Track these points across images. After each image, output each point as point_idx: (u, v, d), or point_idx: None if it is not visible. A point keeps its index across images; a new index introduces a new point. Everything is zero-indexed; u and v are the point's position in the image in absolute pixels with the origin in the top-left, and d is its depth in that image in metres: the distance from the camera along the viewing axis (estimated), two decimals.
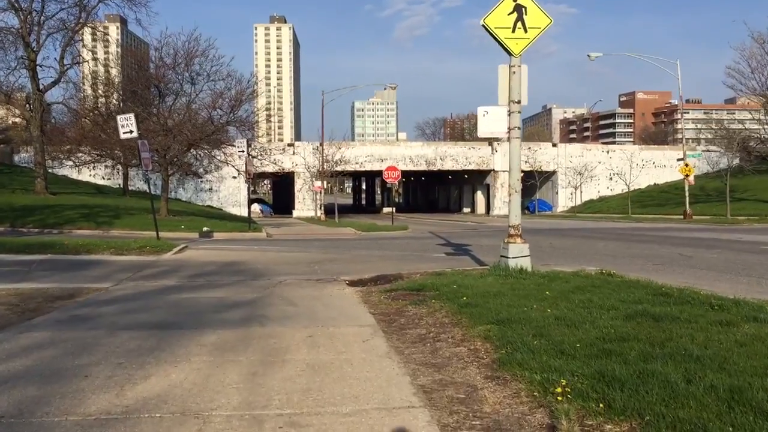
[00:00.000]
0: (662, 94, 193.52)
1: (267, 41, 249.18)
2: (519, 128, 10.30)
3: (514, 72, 10.16)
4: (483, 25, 10.12)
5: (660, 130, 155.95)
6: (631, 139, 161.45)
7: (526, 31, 10.09)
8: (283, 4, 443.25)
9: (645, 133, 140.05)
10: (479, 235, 26.27)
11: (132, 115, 17.15)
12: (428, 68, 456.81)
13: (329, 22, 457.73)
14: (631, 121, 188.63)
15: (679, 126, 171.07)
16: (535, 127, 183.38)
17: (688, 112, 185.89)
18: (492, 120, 10.36)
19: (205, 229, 24.68)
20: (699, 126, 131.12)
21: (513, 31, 10.08)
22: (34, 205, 29.73)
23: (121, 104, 36.47)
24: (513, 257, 10.13)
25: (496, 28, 10.09)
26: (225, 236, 24.68)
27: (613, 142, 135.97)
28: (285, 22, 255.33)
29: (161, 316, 7.54)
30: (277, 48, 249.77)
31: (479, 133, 10.71)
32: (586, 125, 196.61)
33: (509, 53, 10.18)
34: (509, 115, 10.30)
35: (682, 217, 40.93)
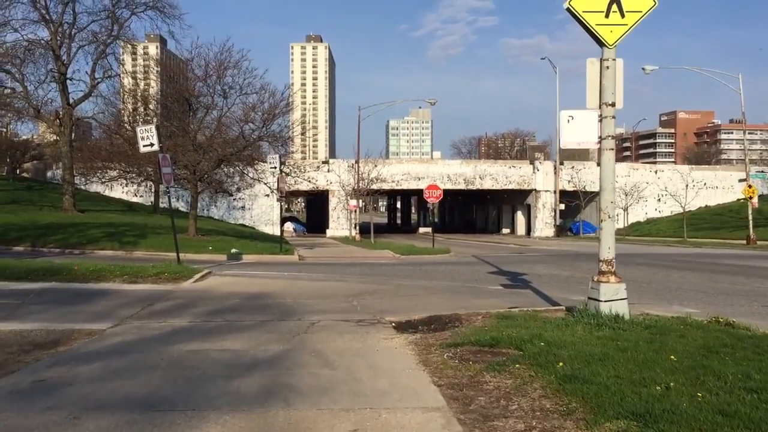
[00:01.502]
0: (704, 114, 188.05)
1: (303, 60, 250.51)
2: (613, 137, 8.22)
3: (607, 67, 8.11)
4: (567, 9, 8.11)
5: (703, 150, 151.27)
6: (673, 159, 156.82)
7: (623, 15, 8.04)
8: (320, 24, 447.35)
9: (689, 153, 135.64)
10: (529, 261, 24.00)
11: (153, 127, 15.50)
12: (463, 87, 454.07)
13: (364, 42, 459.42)
14: (672, 140, 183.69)
15: (724, 146, 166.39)
16: None
17: (731, 132, 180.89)
18: (579, 127, 8.50)
19: (233, 251, 22.98)
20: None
21: (606, 16, 8.04)
22: (59, 223, 28.48)
23: (155, 119, 35.24)
24: (606, 300, 8.01)
25: (584, 12, 8.06)
26: (254, 258, 22.95)
27: (654, 162, 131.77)
28: (321, 41, 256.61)
29: (153, 383, 5.61)
30: (313, 67, 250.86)
31: (562, 144, 8.76)
32: (625, 144, 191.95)
33: (601, 44, 8.13)
34: (600, 121, 8.24)
35: (744, 242, 37.88)
